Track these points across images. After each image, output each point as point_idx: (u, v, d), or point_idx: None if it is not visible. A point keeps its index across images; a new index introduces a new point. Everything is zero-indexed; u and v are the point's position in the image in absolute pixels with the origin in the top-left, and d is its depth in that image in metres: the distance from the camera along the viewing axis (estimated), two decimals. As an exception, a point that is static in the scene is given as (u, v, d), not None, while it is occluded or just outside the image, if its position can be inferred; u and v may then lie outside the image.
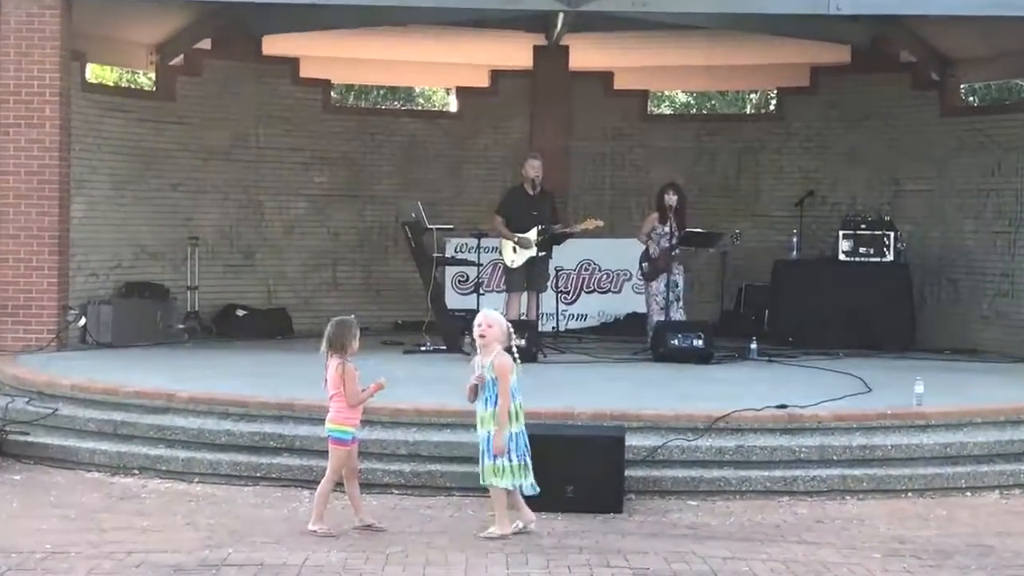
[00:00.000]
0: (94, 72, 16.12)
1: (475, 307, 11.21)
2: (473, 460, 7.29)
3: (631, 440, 8.03)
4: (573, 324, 14.23)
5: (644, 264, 12.20)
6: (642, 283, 12.65)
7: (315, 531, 6.92)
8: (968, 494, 8.22)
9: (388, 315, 14.55)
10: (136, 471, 8.45)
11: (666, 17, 12.76)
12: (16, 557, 6.33)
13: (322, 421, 7.26)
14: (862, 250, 13.18)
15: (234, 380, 9.72)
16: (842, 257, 13.24)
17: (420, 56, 15.23)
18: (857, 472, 8.21)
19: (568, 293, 14.26)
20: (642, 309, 12.72)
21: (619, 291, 14.43)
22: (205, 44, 13.99)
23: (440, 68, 15.81)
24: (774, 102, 17.07)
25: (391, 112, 18.53)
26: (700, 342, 11.42)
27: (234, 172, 14.17)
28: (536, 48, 15.10)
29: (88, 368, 10.17)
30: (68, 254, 11.85)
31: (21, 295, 11.47)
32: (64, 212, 11.70)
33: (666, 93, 22.34)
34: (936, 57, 13.97)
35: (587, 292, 14.46)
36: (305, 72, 14.75)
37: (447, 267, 13.36)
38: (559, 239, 12.27)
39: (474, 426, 7.16)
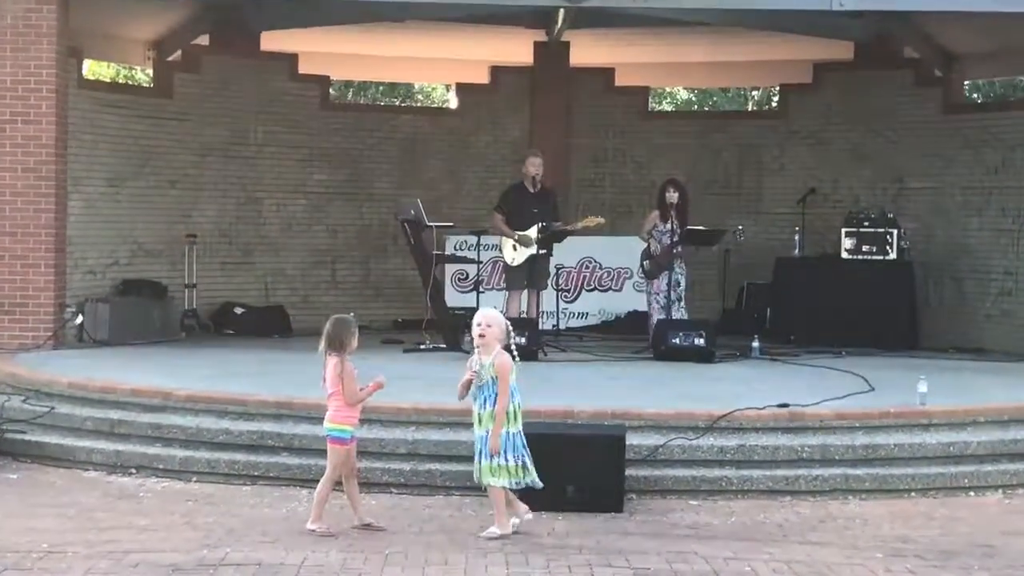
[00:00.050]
0: (91, 68, 16.10)
1: (475, 305, 11.16)
2: (472, 459, 7.24)
3: (632, 439, 7.99)
4: (574, 322, 14.20)
5: (646, 262, 12.16)
6: (643, 281, 12.61)
7: (314, 530, 6.89)
8: (971, 494, 8.18)
9: (387, 313, 14.52)
10: (133, 470, 8.42)
11: (668, 13, 12.73)
12: (13, 556, 6.30)
13: (321, 420, 7.23)
14: (865, 248, 13.13)
15: (232, 379, 9.69)
16: (844, 255, 13.19)
17: (420, 52, 15.20)
18: (860, 472, 8.17)
19: (569, 291, 14.23)
20: (643, 307, 12.68)
21: (620, 289, 14.40)
22: (203, 40, 13.97)
23: (440, 64, 15.78)
24: (776, 99, 17.03)
25: (390, 109, 18.55)
26: (701, 341, 11.40)
27: (232, 169, 14.13)
28: (537, 44, 15.06)
29: (85, 366, 10.15)
30: (65, 251, 11.83)
31: (18, 293, 11.45)
32: (61, 209, 11.67)
33: (667, 90, 22.34)
34: (939, 54, 13.93)
35: (588, 290, 14.44)
36: (304, 68, 14.70)
37: (447, 265, 13.33)
38: (559, 237, 12.24)
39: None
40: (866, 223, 13.21)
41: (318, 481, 7.09)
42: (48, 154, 11.44)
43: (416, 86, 22.95)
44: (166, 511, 7.45)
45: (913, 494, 8.10)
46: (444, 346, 11.80)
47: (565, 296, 14.00)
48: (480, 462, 6.94)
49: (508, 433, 6.89)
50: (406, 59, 15.47)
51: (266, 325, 13.49)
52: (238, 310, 13.67)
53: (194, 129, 13.76)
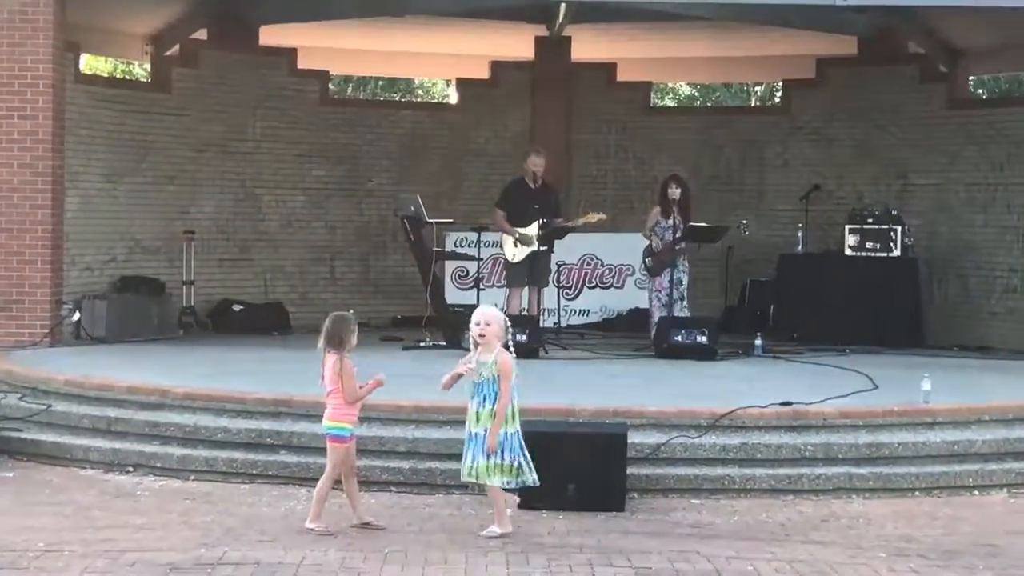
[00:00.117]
0: (88, 63, 16.03)
1: (475, 302, 11.10)
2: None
3: (634, 438, 7.96)
4: (575, 320, 14.16)
5: (648, 259, 12.09)
6: (645, 278, 12.56)
7: (313, 529, 6.86)
8: (976, 493, 8.15)
9: (387, 310, 14.48)
10: (131, 468, 8.40)
11: (670, 8, 12.72)
12: (9, 555, 6.27)
13: (320, 418, 7.20)
14: (868, 245, 13.07)
15: (230, 376, 9.65)
16: (848, 252, 13.14)
17: (420, 47, 15.16)
18: (863, 470, 8.13)
19: (570, 288, 14.19)
20: (645, 305, 12.62)
21: (621, 286, 14.37)
22: (201, 35, 13.95)
23: (440, 59, 15.75)
24: (779, 94, 16.98)
25: (390, 104, 18.50)
26: (704, 338, 11.38)
27: (231, 165, 14.08)
28: (538, 39, 15.02)
29: (82, 364, 10.12)
30: (62, 248, 11.80)
31: (14, 289, 11.42)
32: (58, 205, 11.63)
33: (670, 85, 22.30)
34: (944, 49, 13.90)
35: (589, 287, 14.40)
36: (303, 63, 14.66)
37: (446, 261, 13.29)
38: (560, 233, 12.20)
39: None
40: (870, 220, 13.15)
41: (317, 480, 7.06)
42: (45, 149, 11.40)
43: (416, 81, 22.92)
44: (163, 510, 7.42)
45: (917, 493, 8.07)
46: (444, 343, 11.75)
47: (566, 293, 13.96)
48: (468, 461, 6.88)
49: (505, 433, 6.84)
50: (406, 54, 15.44)
51: (265, 322, 13.45)
52: (236, 307, 13.62)
53: (192, 124, 13.70)
